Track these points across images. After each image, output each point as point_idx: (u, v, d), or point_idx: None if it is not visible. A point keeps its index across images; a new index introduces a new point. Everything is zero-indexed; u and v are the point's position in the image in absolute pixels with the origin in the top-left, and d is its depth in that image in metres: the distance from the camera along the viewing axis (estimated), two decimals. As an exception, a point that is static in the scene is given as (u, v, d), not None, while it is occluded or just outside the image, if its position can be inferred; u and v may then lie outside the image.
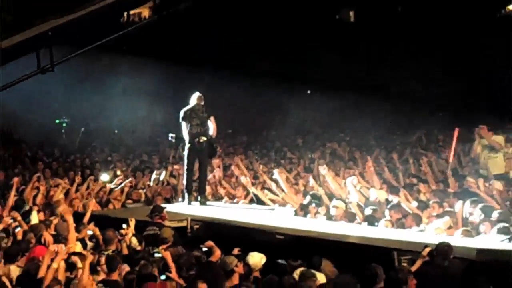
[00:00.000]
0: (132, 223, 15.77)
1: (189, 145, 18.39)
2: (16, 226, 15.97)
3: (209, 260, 14.17)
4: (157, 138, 24.62)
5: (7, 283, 12.96)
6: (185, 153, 18.83)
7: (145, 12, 5.52)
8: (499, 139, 19.73)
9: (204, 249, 14.71)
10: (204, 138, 18.29)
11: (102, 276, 13.34)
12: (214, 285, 12.77)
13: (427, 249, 12.79)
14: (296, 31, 32.58)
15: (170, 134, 19.18)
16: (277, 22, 29.03)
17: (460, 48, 34.90)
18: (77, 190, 20.18)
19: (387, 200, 17.59)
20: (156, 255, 14.18)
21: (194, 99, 18.91)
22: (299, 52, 31.43)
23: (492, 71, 30.96)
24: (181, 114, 18.79)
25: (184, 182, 18.86)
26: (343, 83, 30.29)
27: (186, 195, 18.57)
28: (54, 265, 13.30)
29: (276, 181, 19.34)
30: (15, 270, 13.60)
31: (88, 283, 12.73)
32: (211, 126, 18.51)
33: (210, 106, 19.44)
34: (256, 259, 13.90)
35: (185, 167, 18.83)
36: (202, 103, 18.67)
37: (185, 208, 18.09)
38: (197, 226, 16.68)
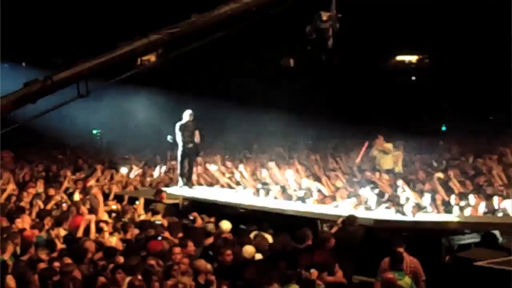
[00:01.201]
0: (142, 200, 16.32)
1: (181, 148, 18.78)
2: (64, 202, 16.16)
3: (194, 226, 14.60)
4: (159, 142, 24.40)
5: (57, 241, 13.33)
6: (179, 153, 19.19)
7: (152, 57, 5.78)
8: (389, 145, 20.40)
9: (191, 218, 15.05)
10: (192, 144, 18.72)
11: (120, 236, 13.71)
12: (197, 243, 12.96)
13: (340, 219, 13.53)
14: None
15: (169, 137, 19.46)
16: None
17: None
18: (104, 178, 20.25)
19: (313, 186, 17.62)
20: (157, 222, 14.32)
21: (187, 115, 19.07)
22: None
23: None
24: (177, 126, 19.35)
25: (178, 172, 19.15)
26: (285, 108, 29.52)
27: (179, 182, 18.89)
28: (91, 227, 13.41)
29: (241, 172, 19.74)
30: (62, 232, 14.15)
31: (110, 240, 13.02)
32: (197, 135, 18.83)
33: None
34: (226, 225, 14.35)
35: (179, 163, 19.27)
36: (192, 118, 18.83)
37: (178, 191, 18.54)
38: (186, 203, 17.14)
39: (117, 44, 6.21)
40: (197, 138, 19.29)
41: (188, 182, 19.17)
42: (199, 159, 19.98)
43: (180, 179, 19.22)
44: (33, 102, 5.89)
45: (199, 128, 19.48)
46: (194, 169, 19.68)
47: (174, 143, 19.59)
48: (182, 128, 19.05)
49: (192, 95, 21.87)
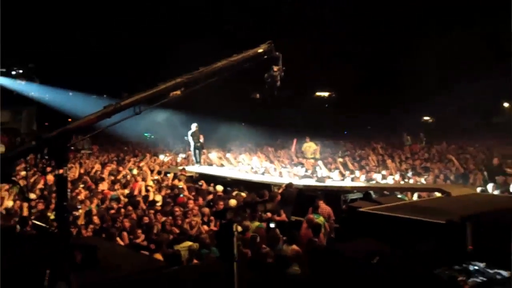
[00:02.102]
0: (172, 174, 16.00)
1: (193, 145, 18.51)
2: (127, 175, 16.04)
3: (201, 188, 14.45)
4: (181, 142, 24.04)
5: (122, 197, 13.12)
6: (192, 148, 18.87)
7: (178, 92, 5.78)
8: (312, 143, 20.14)
9: (199, 184, 14.99)
10: (199, 143, 18.55)
11: (160, 194, 13.52)
12: (203, 198, 13.03)
13: (284, 184, 13.31)
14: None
15: (185, 137, 19.27)
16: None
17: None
18: (151, 161, 20.13)
19: (269, 166, 17.57)
20: (180, 186, 14.16)
21: (194, 126, 18.91)
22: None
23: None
24: (189, 133, 18.91)
25: (193, 158, 18.85)
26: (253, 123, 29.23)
27: (194, 163, 18.63)
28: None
29: (228, 158, 19.61)
30: (126, 192, 13.90)
31: (154, 197, 12.90)
32: (201, 138, 18.63)
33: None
34: (219, 188, 14.34)
35: (193, 154, 18.91)
36: (197, 128, 18.75)
37: (193, 168, 17.94)
38: (197, 175, 16.66)
39: (158, 84, 6.19)
40: (201, 139, 18.98)
41: (199, 163, 18.82)
42: (204, 150, 19.74)
43: (194, 162, 19.01)
44: (109, 117, 5.84)
45: (202, 133, 19.12)
46: (202, 156, 19.53)
47: (187, 142, 19.48)
48: (192, 134, 18.72)
49: (197, 114, 21.49)
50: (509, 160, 15.35)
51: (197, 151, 19.04)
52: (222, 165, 19.10)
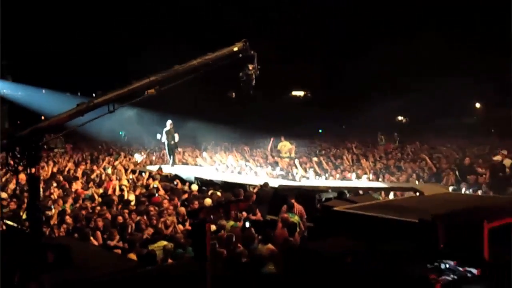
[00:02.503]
0: (147, 173, 15.98)
1: (167, 144, 18.43)
2: (101, 174, 15.90)
3: (176, 187, 14.36)
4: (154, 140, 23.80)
5: (96, 196, 12.96)
6: (166, 147, 18.76)
7: (152, 90, 5.69)
8: (287, 142, 20.10)
9: (175, 183, 14.89)
10: (173, 142, 18.40)
11: (134, 193, 13.38)
12: (178, 197, 12.81)
13: (259, 184, 13.39)
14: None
15: (158, 135, 19.09)
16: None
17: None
18: (125, 160, 19.94)
19: (244, 165, 17.62)
20: (155, 185, 14.11)
21: (168, 124, 18.72)
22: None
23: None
24: (164, 131, 18.69)
25: (168, 158, 18.72)
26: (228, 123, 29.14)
27: (170, 162, 18.50)
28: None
29: (204, 157, 19.60)
30: (100, 191, 13.69)
31: (128, 196, 12.80)
32: (176, 136, 18.50)
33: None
34: (194, 187, 14.35)
35: (167, 152, 18.77)
36: (172, 127, 18.58)
37: (168, 168, 17.64)
38: (172, 174, 16.39)
39: (131, 81, 6.15)
40: (176, 138, 18.80)
41: (173, 163, 18.70)
42: (180, 149, 19.58)
43: (170, 162, 18.72)
44: (83, 115, 5.79)
45: (177, 132, 19.03)
46: (176, 156, 19.33)
47: (161, 140, 19.30)
48: (166, 133, 18.60)
49: (171, 113, 21.34)
50: (480, 160, 15.65)
51: (171, 151, 18.86)
52: (196, 165, 19.03)
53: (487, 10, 24.56)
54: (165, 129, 18.75)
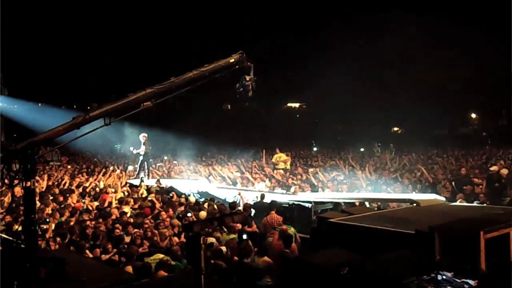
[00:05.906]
0: (143, 184, 15.91)
1: (142, 157, 18.46)
2: (97, 186, 15.80)
3: (172, 199, 14.00)
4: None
5: (91, 207, 12.98)
6: (141, 159, 18.76)
7: (147, 104, 5.64)
8: (283, 154, 20.04)
9: (170, 195, 14.54)
10: (148, 153, 18.33)
11: (130, 205, 13.15)
12: (174, 209, 12.57)
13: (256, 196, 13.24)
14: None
15: (132, 148, 19.05)
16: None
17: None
18: (121, 172, 19.82)
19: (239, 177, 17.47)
20: (150, 198, 13.89)
21: (141, 137, 18.81)
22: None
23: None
24: (142, 142, 18.61)
25: (139, 171, 18.82)
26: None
27: (142, 176, 18.44)
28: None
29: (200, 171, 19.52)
30: (95, 204, 13.72)
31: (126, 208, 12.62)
32: (150, 149, 18.57)
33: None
34: (192, 199, 14.05)
35: (139, 166, 18.84)
36: (146, 139, 18.65)
37: (165, 181, 17.20)
38: (168, 187, 16.01)
39: (128, 95, 6.14)
40: (148, 150, 18.72)
41: (147, 176, 18.48)
42: (175, 161, 19.45)
43: (143, 175, 18.40)
44: (78, 128, 5.79)
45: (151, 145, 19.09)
46: (151, 168, 19.30)
47: (137, 155, 19.26)
48: (142, 144, 18.57)
49: (166, 127, 21.28)
50: (476, 170, 15.67)
51: (145, 163, 18.85)
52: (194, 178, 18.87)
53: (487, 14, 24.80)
54: (142, 141, 18.75)
